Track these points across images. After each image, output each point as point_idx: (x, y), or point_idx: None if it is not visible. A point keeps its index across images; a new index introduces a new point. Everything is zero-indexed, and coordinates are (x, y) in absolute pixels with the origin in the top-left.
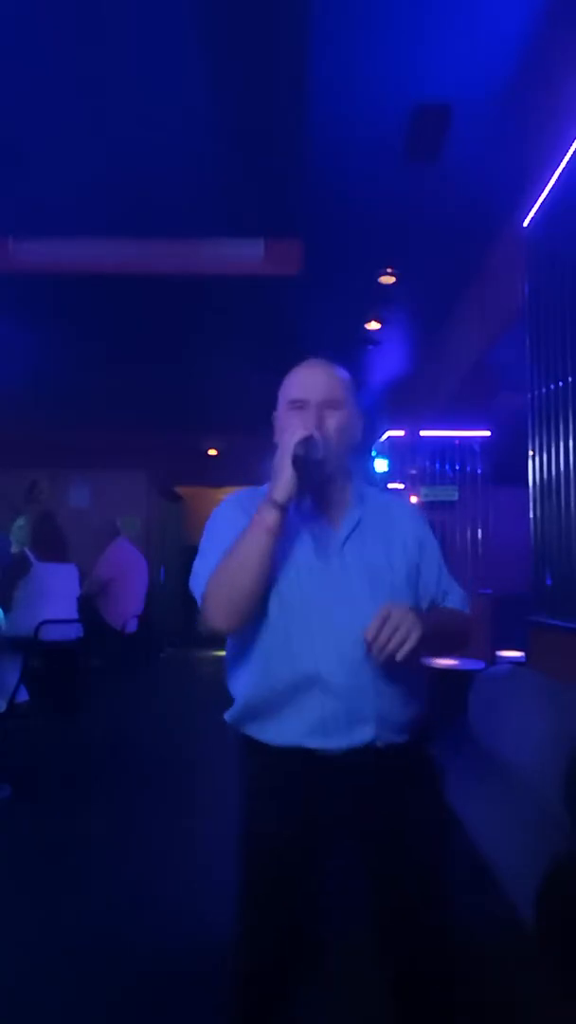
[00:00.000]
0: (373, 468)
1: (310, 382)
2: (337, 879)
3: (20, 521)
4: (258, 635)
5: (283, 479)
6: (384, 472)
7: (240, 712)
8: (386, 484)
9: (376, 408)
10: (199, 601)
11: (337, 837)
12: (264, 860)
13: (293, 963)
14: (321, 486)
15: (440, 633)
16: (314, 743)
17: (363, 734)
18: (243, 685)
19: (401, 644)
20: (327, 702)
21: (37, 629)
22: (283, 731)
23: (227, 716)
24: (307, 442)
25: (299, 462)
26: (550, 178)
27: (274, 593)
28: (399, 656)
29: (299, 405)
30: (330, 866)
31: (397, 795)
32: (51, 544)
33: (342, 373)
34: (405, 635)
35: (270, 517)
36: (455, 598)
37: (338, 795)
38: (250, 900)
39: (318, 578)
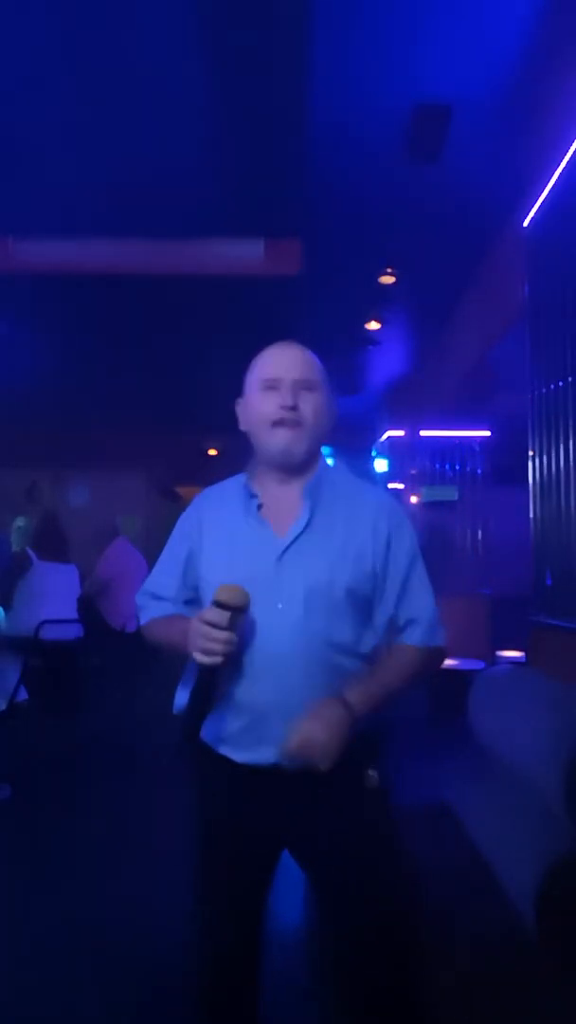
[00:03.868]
0: (373, 468)
1: (284, 360)
2: (260, 882)
3: (19, 521)
4: None
5: (203, 644)
6: (384, 472)
7: (180, 709)
8: (386, 484)
9: (376, 408)
10: (139, 622)
11: (253, 837)
12: (201, 844)
13: (221, 960)
14: (282, 483)
15: (386, 699)
16: (225, 751)
17: (266, 756)
18: (186, 678)
19: (321, 763)
20: (239, 718)
21: (37, 629)
22: (208, 732)
23: (175, 708)
24: (233, 593)
25: (232, 616)
26: (550, 178)
27: (207, 601)
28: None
29: (272, 384)
30: (253, 860)
31: (311, 809)
32: (53, 544)
33: (314, 356)
34: (323, 757)
35: (183, 645)
36: (418, 631)
37: (251, 799)
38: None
39: (252, 591)
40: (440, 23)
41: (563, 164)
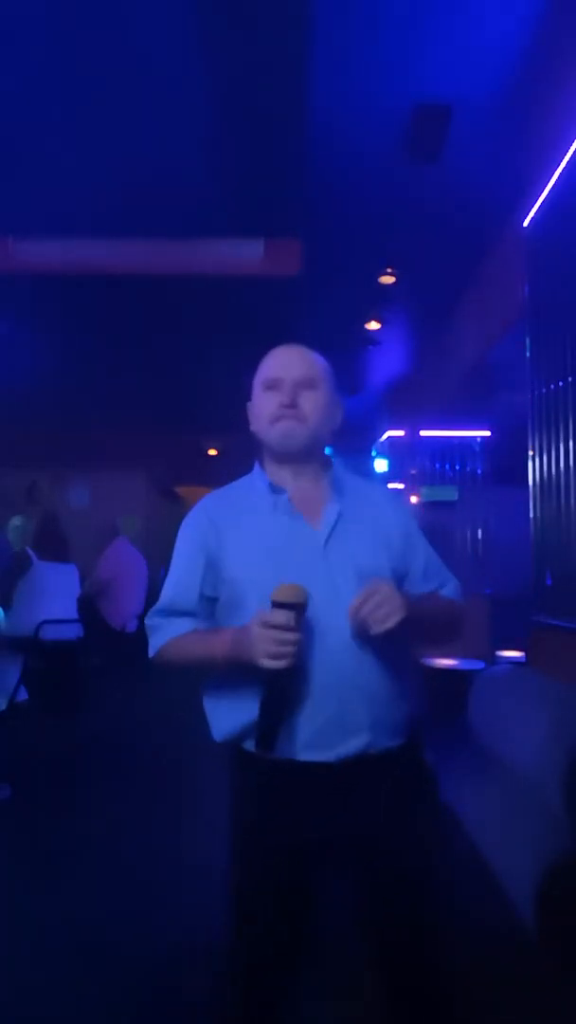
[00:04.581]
0: (373, 468)
1: (284, 361)
2: (334, 888)
3: (16, 520)
4: None
5: (273, 649)
6: (384, 472)
7: (234, 731)
8: (386, 484)
9: (376, 408)
10: (151, 650)
11: (332, 846)
12: (260, 872)
13: (291, 971)
14: (297, 478)
15: (429, 621)
16: (308, 756)
17: (357, 743)
18: (235, 706)
19: (382, 621)
20: (320, 714)
21: (37, 629)
22: (283, 745)
23: (217, 736)
24: (295, 592)
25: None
26: (550, 178)
27: (258, 605)
28: (376, 630)
29: (272, 384)
30: (326, 875)
31: (391, 802)
32: (53, 544)
33: (318, 357)
34: (388, 612)
35: (235, 654)
36: (449, 589)
37: (332, 804)
38: (246, 913)
39: (303, 582)
40: (440, 23)
41: (563, 164)
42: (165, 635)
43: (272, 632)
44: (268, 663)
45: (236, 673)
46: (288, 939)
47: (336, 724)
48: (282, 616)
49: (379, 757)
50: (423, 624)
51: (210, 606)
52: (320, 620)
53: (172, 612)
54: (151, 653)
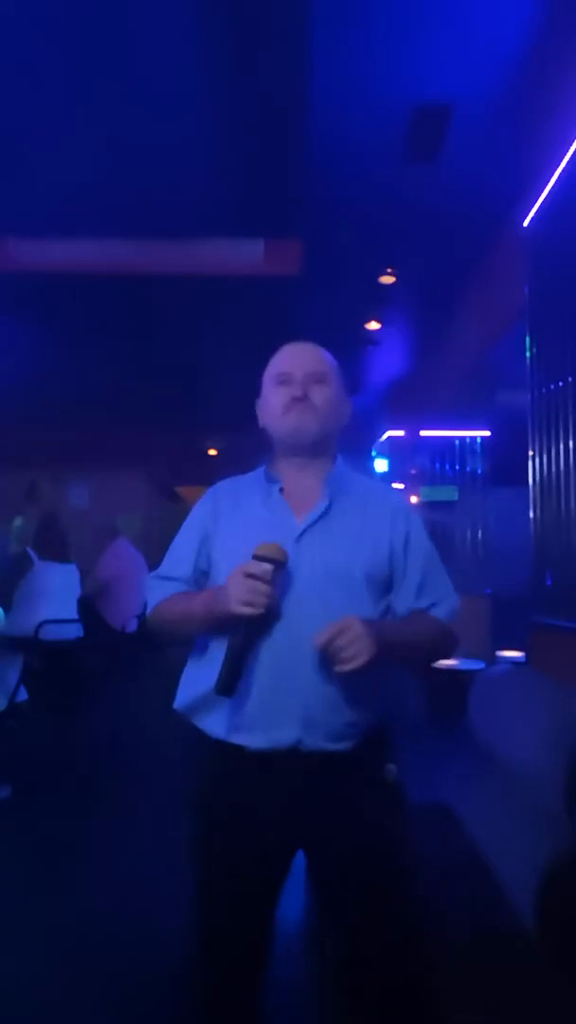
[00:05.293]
0: (373, 468)
1: (295, 356)
2: (266, 874)
3: (16, 520)
4: None
5: (246, 596)
6: (384, 472)
7: (186, 700)
8: (386, 484)
9: (376, 408)
10: (148, 609)
11: (263, 834)
12: (202, 847)
13: (233, 955)
14: (300, 472)
15: (406, 651)
16: (237, 739)
17: (286, 736)
18: (190, 673)
19: (347, 661)
20: (253, 698)
21: (37, 629)
22: (214, 723)
23: (176, 704)
24: (271, 550)
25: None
26: (550, 178)
27: (221, 579)
28: (340, 669)
29: (284, 379)
30: (260, 860)
31: (326, 803)
32: (53, 544)
33: (327, 353)
34: (354, 653)
35: (218, 612)
36: (441, 609)
37: (265, 793)
38: (196, 889)
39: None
40: (440, 23)
41: (563, 164)
42: (159, 595)
43: (248, 581)
44: (239, 608)
45: (208, 638)
46: (222, 918)
47: (267, 713)
48: (259, 567)
49: (315, 757)
50: (399, 654)
51: (204, 579)
52: (281, 611)
53: (165, 578)
54: (148, 612)
